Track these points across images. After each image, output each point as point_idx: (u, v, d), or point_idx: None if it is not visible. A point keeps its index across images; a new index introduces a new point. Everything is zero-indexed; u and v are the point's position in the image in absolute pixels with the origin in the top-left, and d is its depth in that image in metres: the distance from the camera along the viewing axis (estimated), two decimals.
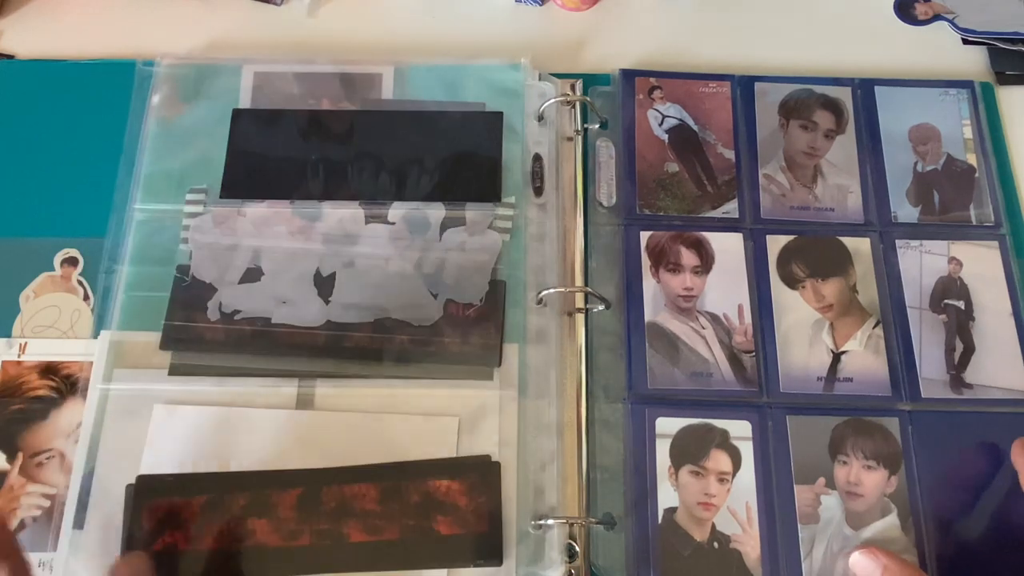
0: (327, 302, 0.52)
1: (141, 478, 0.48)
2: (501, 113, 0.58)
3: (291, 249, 0.54)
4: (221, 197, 0.55)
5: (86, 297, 0.53)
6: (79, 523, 0.47)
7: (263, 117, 0.58)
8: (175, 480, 0.47)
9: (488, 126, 0.57)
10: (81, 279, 0.54)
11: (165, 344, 0.51)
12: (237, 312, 0.52)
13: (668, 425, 0.50)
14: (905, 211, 0.56)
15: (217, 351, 0.51)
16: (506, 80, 0.59)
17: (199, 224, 0.54)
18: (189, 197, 0.55)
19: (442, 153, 0.57)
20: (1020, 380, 0.51)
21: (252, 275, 0.53)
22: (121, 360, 0.50)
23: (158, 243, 0.54)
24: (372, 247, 0.54)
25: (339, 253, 0.53)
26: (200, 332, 0.51)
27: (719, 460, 0.49)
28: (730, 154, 0.57)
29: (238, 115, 0.58)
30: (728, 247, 0.54)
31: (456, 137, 0.57)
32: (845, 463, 0.49)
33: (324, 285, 0.53)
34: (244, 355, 0.51)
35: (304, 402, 0.50)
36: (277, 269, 0.53)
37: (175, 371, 0.50)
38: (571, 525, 0.48)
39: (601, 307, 0.53)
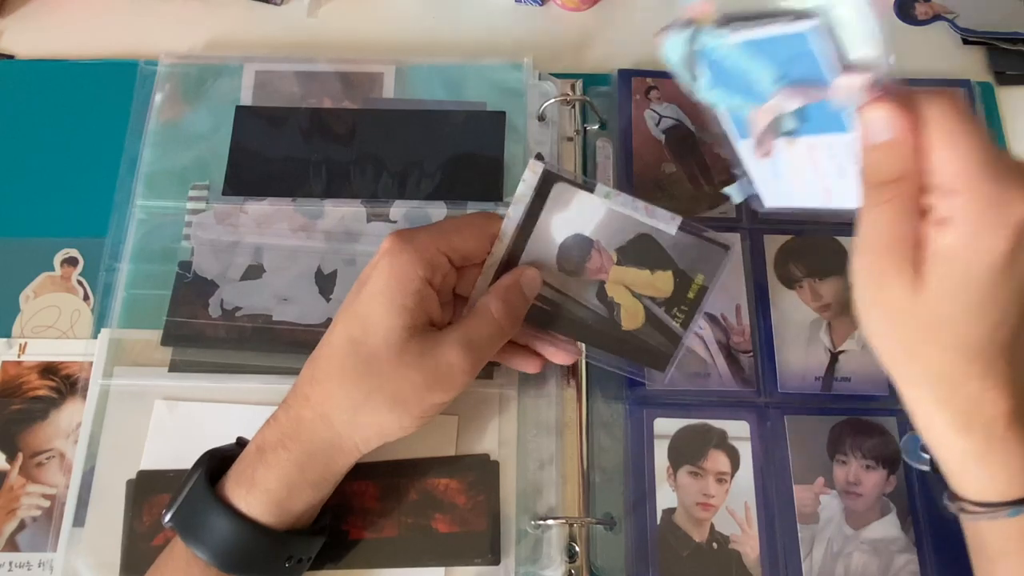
0: (328, 300, 0.52)
1: (142, 473, 0.48)
2: (504, 113, 0.58)
3: (293, 246, 0.54)
4: (223, 194, 0.55)
5: (86, 297, 0.53)
6: (79, 520, 0.47)
7: (265, 115, 0.58)
8: (176, 476, 0.47)
9: (490, 126, 0.57)
10: (81, 279, 0.54)
11: (166, 340, 0.51)
12: (238, 309, 0.52)
13: (666, 426, 0.50)
14: None
15: (218, 347, 0.51)
16: (508, 80, 0.59)
17: (201, 220, 0.54)
18: (192, 194, 0.55)
19: (444, 152, 0.57)
20: None
21: (254, 272, 0.53)
22: (121, 357, 0.50)
23: (159, 241, 0.54)
24: (374, 245, 0.54)
25: (341, 251, 0.54)
26: (201, 328, 0.51)
27: (717, 460, 0.49)
28: (727, 154, 0.57)
29: (241, 112, 0.58)
30: None
31: (458, 136, 0.57)
32: (844, 463, 0.49)
33: (325, 283, 0.53)
34: (244, 352, 0.51)
35: None
36: (279, 266, 0.53)
37: (175, 367, 0.50)
38: (571, 525, 0.48)
39: None
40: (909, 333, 0.36)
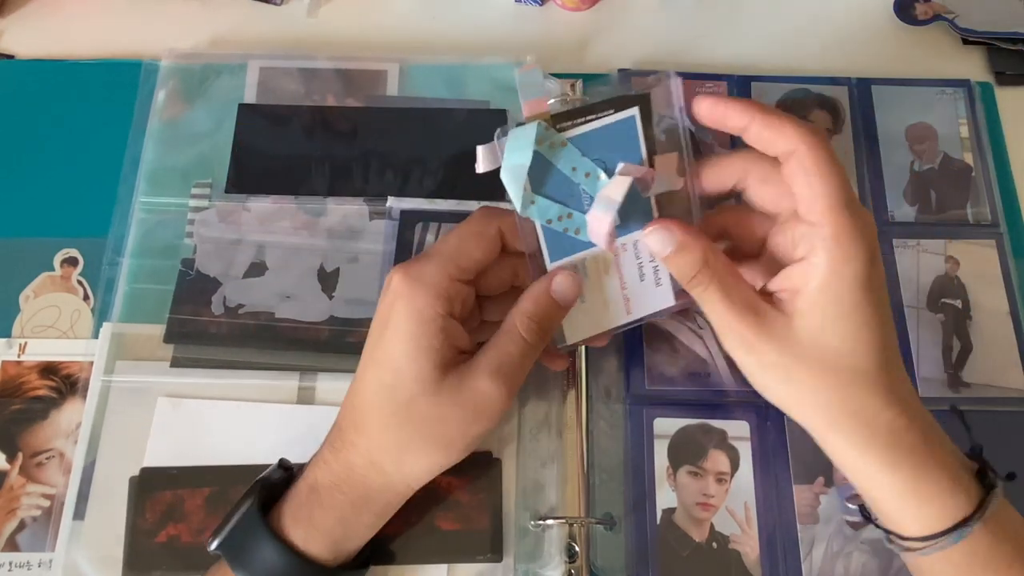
0: (330, 297, 0.52)
1: (145, 470, 0.48)
2: (506, 111, 0.58)
3: (295, 244, 0.54)
4: (226, 192, 0.55)
5: (86, 297, 0.53)
6: (79, 514, 0.47)
7: (268, 113, 0.58)
8: (179, 473, 0.48)
9: (493, 124, 0.57)
10: (81, 279, 0.54)
11: (169, 337, 0.51)
12: (241, 306, 0.52)
13: (666, 426, 0.50)
14: (902, 210, 0.56)
15: (220, 344, 0.51)
16: (509, 79, 0.59)
17: (204, 218, 0.54)
18: (194, 191, 0.55)
19: (446, 150, 0.57)
20: (1017, 379, 0.51)
21: (256, 270, 0.53)
22: (123, 352, 0.50)
23: (162, 238, 0.54)
24: (376, 243, 0.54)
25: (343, 249, 0.54)
26: (204, 326, 0.51)
27: (717, 460, 0.49)
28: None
29: (243, 110, 0.58)
30: None
31: (461, 134, 0.57)
32: None
33: (328, 280, 0.53)
34: (247, 349, 0.51)
35: (305, 397, 0.50)
36: (281, 264, 0.53)
37: (177, 363, 0.50)
38: (571, 525, 0.48)
39: None
40: (802, 372, 0.39)
